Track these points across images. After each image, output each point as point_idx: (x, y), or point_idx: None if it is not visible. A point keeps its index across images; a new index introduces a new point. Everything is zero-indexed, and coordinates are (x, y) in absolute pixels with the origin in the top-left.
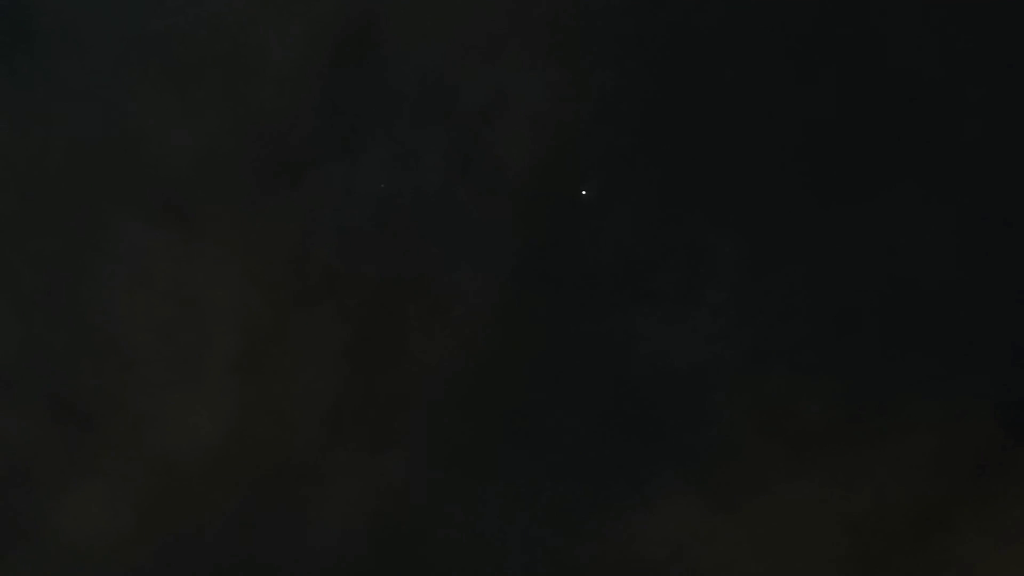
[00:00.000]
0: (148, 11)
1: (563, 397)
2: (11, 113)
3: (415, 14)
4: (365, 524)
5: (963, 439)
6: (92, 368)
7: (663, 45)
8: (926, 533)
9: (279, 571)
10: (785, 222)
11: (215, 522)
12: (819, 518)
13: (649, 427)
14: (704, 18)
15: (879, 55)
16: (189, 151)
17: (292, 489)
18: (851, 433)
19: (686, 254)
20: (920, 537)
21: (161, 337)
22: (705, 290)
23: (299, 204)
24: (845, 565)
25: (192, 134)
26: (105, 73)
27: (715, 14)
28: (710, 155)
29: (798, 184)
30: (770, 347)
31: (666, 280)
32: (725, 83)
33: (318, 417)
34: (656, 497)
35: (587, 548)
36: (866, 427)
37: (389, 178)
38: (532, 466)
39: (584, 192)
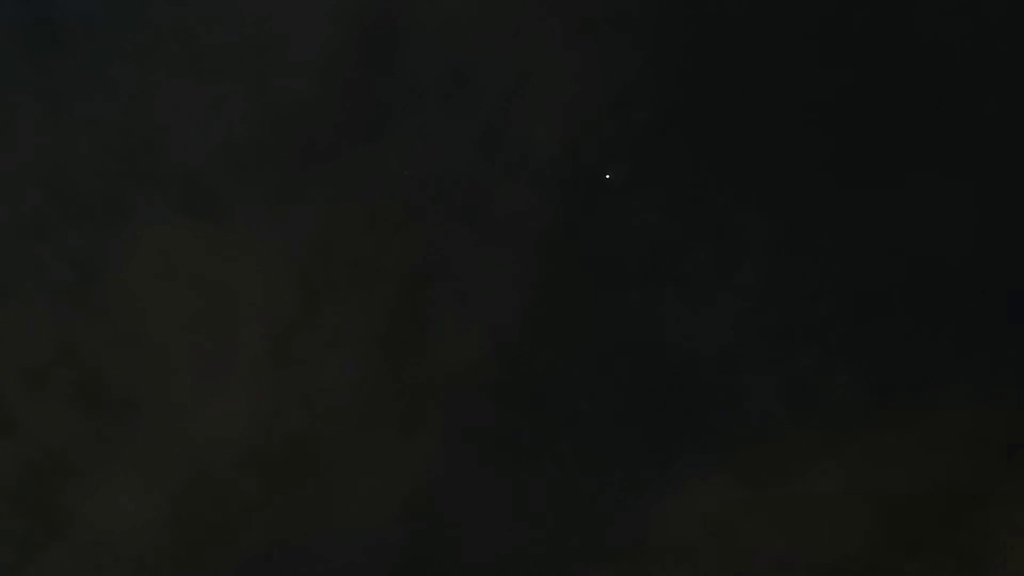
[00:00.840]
0: (171, 0)
1: (591, 381)
2: (35, 106)
3: None
4: (395, 512)
5: (994, 419)
6: (122, 361)
7: (688, 26)
8: (958, 514)
9: (310, 560)
10: (812, 202)
11: (246, 512)
12: (850, 500)
13: (678, 410)
14: None
15: (904, 35)
16: (214, 141)
17: (322, 478)
18: (881, 414)
19: (713, 235)
20: (952, 518)
21: (190, 328)
22: (733, 271)
23: (325, 192)
24: (877, 547)
25: (216, 124)
26: (129, 64)
27: None
28: (736, 136)
29: (825, 164)
30: (799, 328)
31: (694, 262)
32: (750, 63)
33: (347, 406)
34: (686, 480)
35: (616, 531)
36: (896, 408)
37: (414, 164)
38: (561, 450)
39: (608, 176)
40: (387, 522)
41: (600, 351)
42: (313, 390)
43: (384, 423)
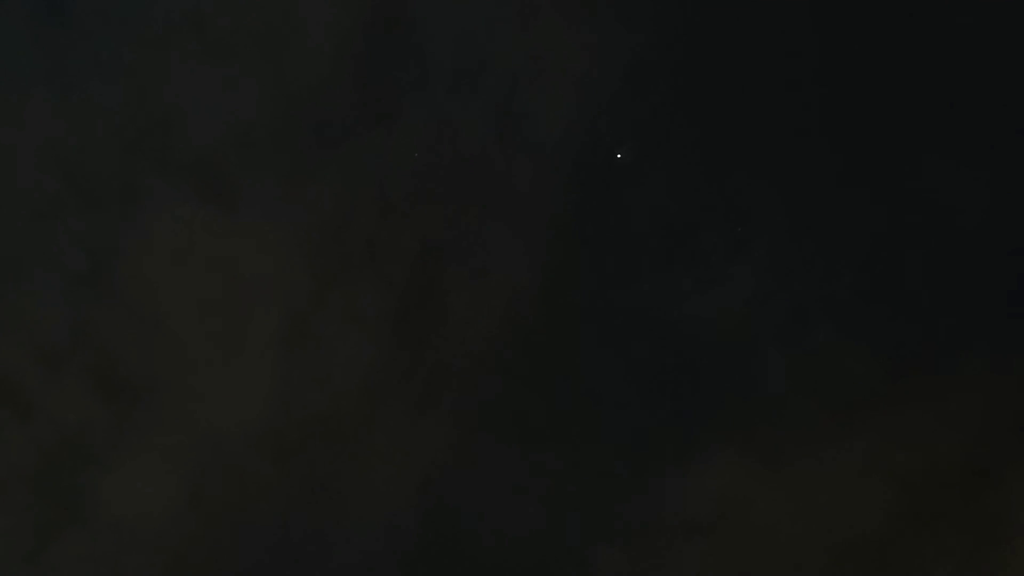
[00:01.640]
0: None
1: (606, 360)
2: (51, 92)
3: None
4: (409, 492)
5: (1009, 395)
6: (138, 344)
7: (698, 5)
8: (975, 489)
9: (324, 540)
10: (826, 181)
11: (262, 492)
12: (865, 477)
13: (692, 389)
14: None
15: (914, 10)
16: (227, 125)
17: (336, 459)
18: (896, 391)
19: (726, 214)
20: (969, 493)
21: (204, 312)
22: (746, 250)
23: (338, 174)
24: (892, 524)
25: (230, 108)
26: (142, 49)
27: None
28: (748, 114)
29: (839, 144)
30: (813, 306)
31: (707, 241)
32: (763, 43)
33: (361, 386)
34: (700, 458)
35: (634, 508)
36: (911, 385)
37: (426, 145)
38: (577, 428)
39: (619, 156)
40: (401, 502)
41: (613, 330)
42: (327, 371)
43: (398, 403)
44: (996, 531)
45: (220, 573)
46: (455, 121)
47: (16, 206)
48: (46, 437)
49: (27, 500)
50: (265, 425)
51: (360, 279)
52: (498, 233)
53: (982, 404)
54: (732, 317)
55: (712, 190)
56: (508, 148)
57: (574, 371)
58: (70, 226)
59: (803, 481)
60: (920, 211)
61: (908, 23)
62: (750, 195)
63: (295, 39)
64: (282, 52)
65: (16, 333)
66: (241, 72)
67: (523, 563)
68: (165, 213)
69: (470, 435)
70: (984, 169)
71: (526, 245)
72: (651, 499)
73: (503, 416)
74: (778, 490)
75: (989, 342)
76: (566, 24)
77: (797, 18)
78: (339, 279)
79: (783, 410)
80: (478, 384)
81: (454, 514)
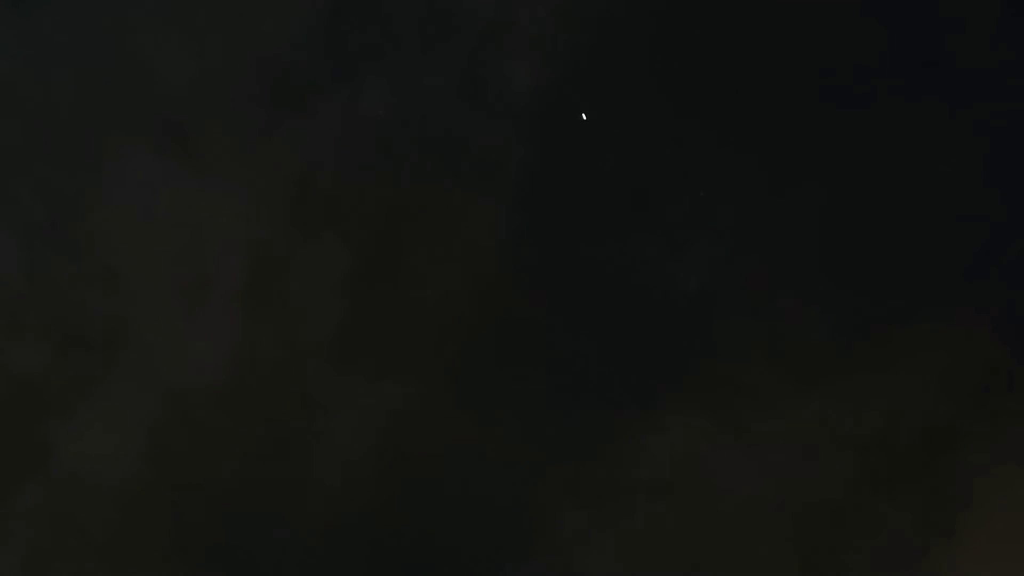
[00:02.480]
0: None
1: (569, 322)
2: (12, 42)
3: None
4: (371, 450)
5: (969, 359)
6: (98, 298)
7: None
8: (933, 453)
9: (285, 499)
10: (792, 146)
11: (223, 450)
12: (824, 440)
13: (656, 351)
14: None
15: None
16: (190, 79)
17: (298, 417)
18: (858, 356)
19: (693, 178)
20: (927, 457)
21: (166, 266)
22: (712, 215)
23: (302, 131)
24: (853, 486)
25: (193, 61)
26: (105, 0)
27: None
28: (717, 75)
29: (803, 106)
30: (777, 271)
31: (672, 205)
32: (732, 6)
33: (323, 345)
34: (663, 420)
35: (595, 469)
36: (873, 349)
37: (392, 103)
38: (538, 391)
39: (584, 116)
40: (361, 461)
41: (576, 293)
42: (289, 328)
43: (360, 362)
44: (953, 494)
45: (180, 526)
46: (420, 81)
47: None
48: (4, 389)
49: None
50: (226, 380)
51: (324, 237)
52: (461, 194)
53: (939, 370)
54: (695, 281)
55: (680, 155)
56: (472, 109)
57: (535, 333)
58: (30, 177)
59: (762, 445)
60: (884, 181)
61: None
62: (717, 161)
63: None
64: (248, 9)
65: None
66: (204, 27)
67: (483, 522)
68: (127, 165)
69: (432, 394)
70: (945, 137)
71: (489, 207)
72: (611, 460)
73: (464, 376)
74: (738, 453)
75: (947, 308)
76: None
77: None
78: (303, 236)
79: (744, 374)
80: (440, 344)
81: (414, 474)
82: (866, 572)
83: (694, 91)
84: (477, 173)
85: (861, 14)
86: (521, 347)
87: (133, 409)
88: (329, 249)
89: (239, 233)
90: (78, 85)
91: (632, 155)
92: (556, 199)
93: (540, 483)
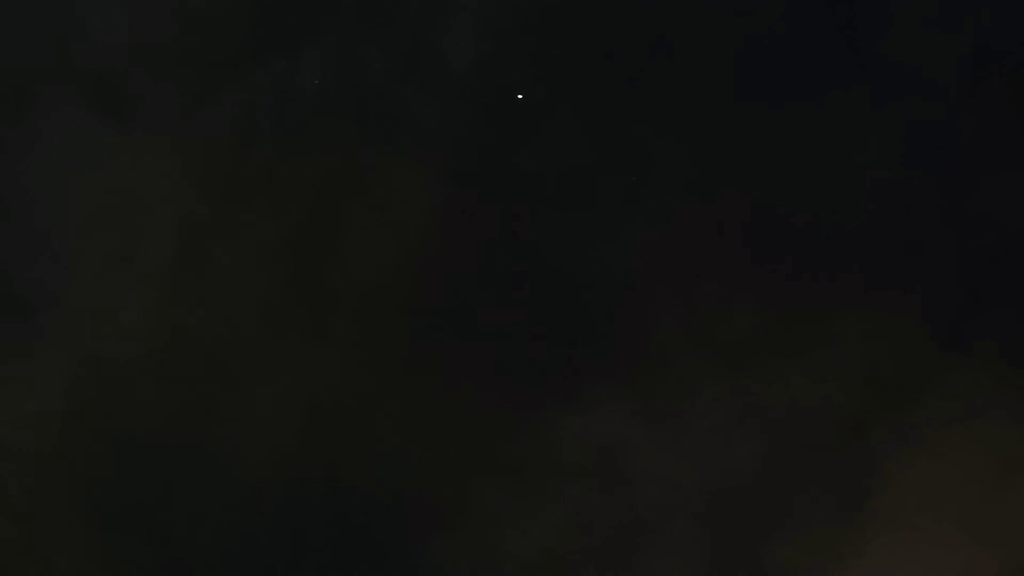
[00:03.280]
0: None
1: (498, 298)
2: None
3: None
4: (294, 423)
5: (888, 349)
6: (23, 258)
7: None
8: (848, 439)
9: (205, 468)
10: (725, 136)
11: (144, 418)
12: (743, 427)
13: (582, 332)
14: None
15: None
16: (127, 40)
17: (223, 387)
18: (780, 342)
19: (627, 163)
20: (842, 443)
21: (95, 227)
22: (644, 199)
23: (238, 99)
24: (766, 468)
25: (131, 23)
26: None
27: None
28: (656, 61)
29: (733, 97)
30: (704, 258)
31: (606, 188)
32: None
33: (252, 312)
34: (588, 402)
35: (517, 447)
36: (795, 337)
37: (331, 75)
38: (464, 367)
39: (520, 96)
40: (285, 430)
41: (507, 271)
42: (218, 296)
43: (288, 332)
44: (863, 483)
45: (100, 493)
46: (358, 55)
47: None
48: None
49: None
50: (151, 346)
51: (257, 205)
52: (398, 167)
53: (859, 358)
54: (625, 264)
55: (615, 139)
56: (410, 84)
57: (466, 309)
58: None
59: (683, 429)
60: (812, 172)
61: None
62: (651, 146)
63: None
64: None
65: None
66: None
67: (403, 495)
68: (58, 123)
69: (360, 365)
70: (871, 129)
71: (425, 181)
72: (534, 439)
73: (390, 351)
74: (658, 436)
75: (869, 298)
76: None
77: None
78: (235, 204)
79: (669, 360)
80: (369, 317)
81: (338, 443)
82: (776, 553)
83: (631, 75)
84: (413, 148)
85: (792, 9)
86: (449, 323)
87: (54, 374)
88: (261, 218)
89: (170, 199)
90: (9, 42)
91: (567, 135)
92: (491, 176)
93: (460, 460)
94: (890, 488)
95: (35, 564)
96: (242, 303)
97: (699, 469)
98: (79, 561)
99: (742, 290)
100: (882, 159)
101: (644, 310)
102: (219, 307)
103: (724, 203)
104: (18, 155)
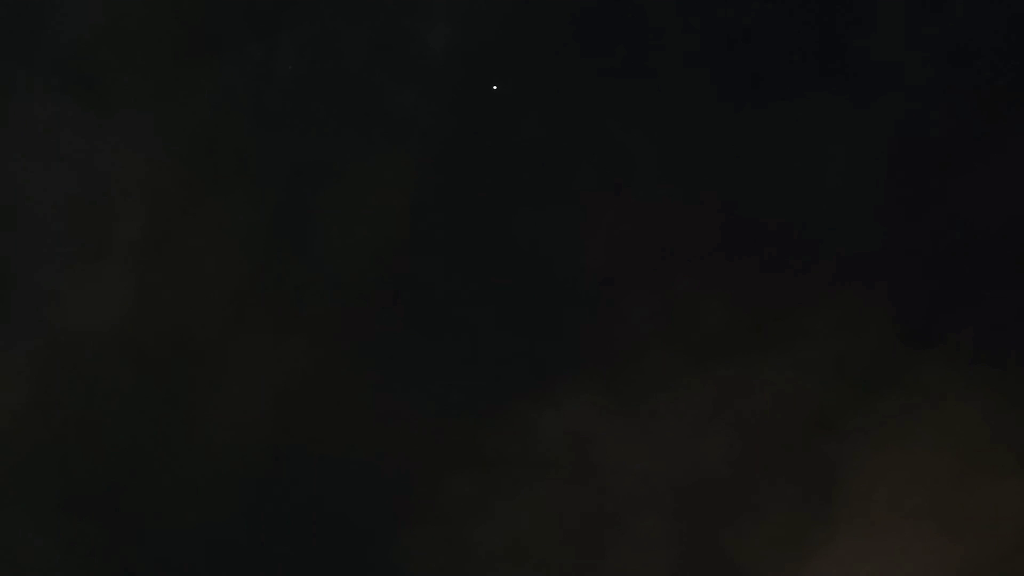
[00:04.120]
0: None
1: (472, 291)
2: None
3: None
4: (265, 408)
5: (858, 348)
6: None
7: None
8: (817, 437)
9: (173, 454)
10: (697, 129)
11: (111, 401)
12: (712, 422)
13: (555, 326)
14: None
15: None
16: (102, 22)
17: (192, 372)
18: (751, 339)
19: (602, 155)
20: (811, 440)
21: (65, 211)
22: (619, 191)
23: (214, 83)
24: (737, 466)
25: (109, 9)
26: None
27: None
28: (635, 56)
29: (713, 89)
30: (677, 253)
31: (580, 179)
32: None
33: (223, 300)
34: (559, 395)
35: (488, 440)
36: (765, 334)
37: (307, 61)
38: (436, 358)
39: (495, 88)
40: (255, 418)
41: (480, 263)
42: (190, 282)
43: (260, 320)
44: (831, 478)
45: (64, 478)
46: (337, 41)
47: None
48: None
49: None
50: (122, 332)
51: (230, 191)
52: (372, 155)
53: (829, 356)
54: (598, 258)
55: (588, 131)
56: (386, 72)
57: (438, 301)
58: None
59: (653, 424)
60: (783, 167)
61: None
62: (627, 141)
63: None
64: None
65: None
66: None
67: (375, 486)
68: (33, 107)
69: (331, 356)
70: (848, 129)
71: (399, 170)
72: (505, 433)
73: (362, 340)
74: (628, 430)
75: (840, 297)
76: None
77: None
78: (209, 189)
79: (640, 354)
80: (342, 307)
81: (308, 435)
82: (745, 545)
83: (606, 68)
84: (388, 136)
85: (775, 9)
86: (422, 313)
87: (23, 358)
88: (234, 203)
89: (143, 181)
90: None
91: (543, 127)
92: (467, 165)
93: (432, 453)
94: (858, 481)
95: (1, 550)
96: (214, 289)
97: (670, 462)
98: (48, 547)
99: (714, 285)
100: (852, 157)
101: (617, 304)
102: (190, 292)
103: (698, 199)
104: None
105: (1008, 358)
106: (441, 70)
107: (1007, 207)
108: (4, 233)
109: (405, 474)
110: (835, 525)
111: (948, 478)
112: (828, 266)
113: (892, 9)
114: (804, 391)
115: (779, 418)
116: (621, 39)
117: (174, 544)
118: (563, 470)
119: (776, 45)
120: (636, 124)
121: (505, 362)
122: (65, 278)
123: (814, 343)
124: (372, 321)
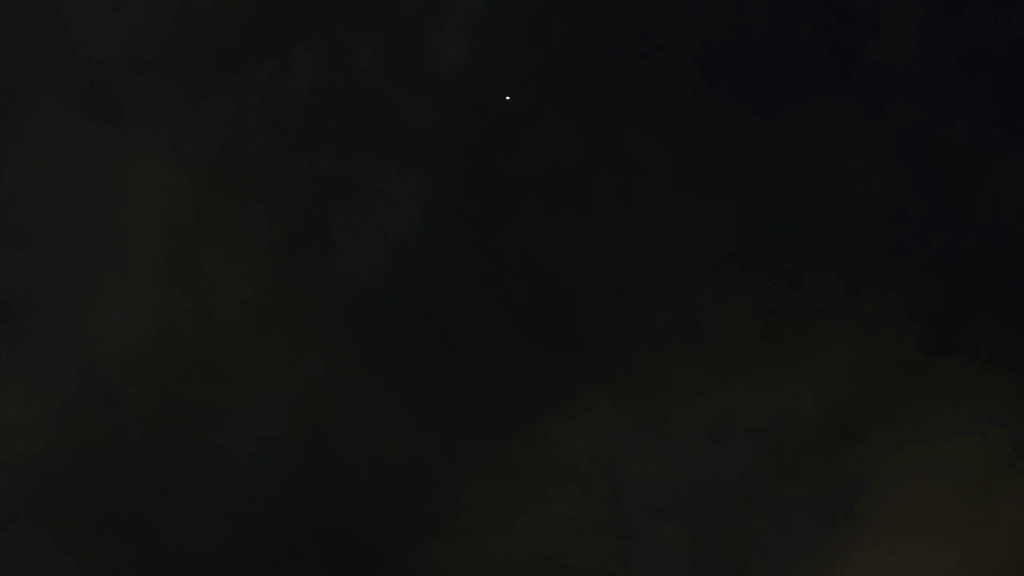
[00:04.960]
0: None
1: (489, 304)
2: None
3: None
4: (285, 427)
5: (877, 354)
6: (15, 261)
7: None
8: (836, 444)
9: (195, 472)
10: (713, 139)
11: (137, 420)
12: (732, 430)
13: (572, 336)
14: None
15: None
16: (119, 42)
17: (214, 390)
18: (770, 347)
19: (616, 165)
20: (830, 448)
21: (84, 232)
22: (634, 203)
23: (229, 100)
24: (755, 473)
25: (123, 25)
26: None
27: None
28: (646, 65)
29: (731, 97)
30: (694, 262)
31: (596, 190)
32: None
33: (243, 316)
34: (577, 404)
35: (508, 450)
36: (785, 342)
37: (322, 77)
38: (456, 370)
39: (508, 98)
40: (277, 435)
41: (498, 273)
42: (209, 299)
43: (279, 336)
44: (850, 487)
45: (91, 498)
46: (351, 54)
47: None
48: None
49: None
50: (142, 351)
51: (246, 208)
52: (388, 169)
53: (848, 363)
54: (615, 268)
55: (604, 141)
56: (400, 87)
57: (457, 312)
58: None
59: (673, 432)
60: (799, 176)
61: None
62: (639, 149)
63: None
64: None
65: None
66: None
67: (396, 498)
68: (49, 125)
69: (350, 370)
70: (861, 134)
71: (415, 183)
72: (526, 442)
73: (383, 354)
74: (648, 439)
75: (858, 303)
76: None
77: None
78: (226, 206)
79: (659, 362)
80: (360, 321)
81: (329, 448)
82: (763, 556)
83: (619, 78)
84: (403, 150)
85: (786, 13)
86: (441, 325)
87: (46, 379)
88: (252, 220)
89: (161, 200)
90: (2, 42)
91: (556, 137)
92: (483, 177)
93: (452, 464)
94: (877, 492)
95: (30, 570)
96: (231, 305)
97: (688, 473)
98: (74, 568)
99: (731, 295)
100: (867, 164)
101: (634, 314)
102: (208, 309)
103: (713, 207)
104: (5, 157)
105: None
106: (454, 83)
107: (1023, 212)
108: (25, 255)
109: (426, 486)
110: (856, 534)
111: (970, 485)
112: (845, 274)
113: (904, 16)
114: (823, 399)
115: (798, 428)
116: (633, 49)
117: (198, 561)
118: (583, 480)
119: (789, 54)
120: (650, 133)
121: (525, 374)
122: (85, 299)
123: (832, 351)
124: (391, 334)
